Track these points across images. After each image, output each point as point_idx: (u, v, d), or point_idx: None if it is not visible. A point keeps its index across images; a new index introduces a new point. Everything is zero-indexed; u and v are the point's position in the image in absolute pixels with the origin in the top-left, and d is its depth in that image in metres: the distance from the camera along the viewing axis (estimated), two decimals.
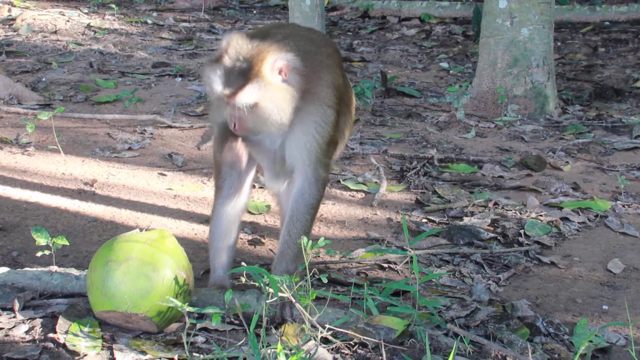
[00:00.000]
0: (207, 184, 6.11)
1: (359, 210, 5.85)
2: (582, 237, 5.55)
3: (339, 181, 6.32)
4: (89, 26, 12.08)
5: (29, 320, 3.91)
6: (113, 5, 13.48)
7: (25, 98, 8.08)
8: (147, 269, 3.76)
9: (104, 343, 3.75)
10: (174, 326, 3.95)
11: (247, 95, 3.84)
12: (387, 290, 4.21)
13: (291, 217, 4.17)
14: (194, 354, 3.66)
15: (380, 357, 3.67)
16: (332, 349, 3.76)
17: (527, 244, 5.32)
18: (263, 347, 3.54)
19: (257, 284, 3.65)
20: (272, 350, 3.49)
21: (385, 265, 4.94)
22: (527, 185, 6.41)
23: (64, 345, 3.69)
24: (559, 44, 12.07)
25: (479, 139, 7.76)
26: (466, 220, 5.65)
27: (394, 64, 11.10)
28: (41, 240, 4.21)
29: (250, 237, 5.28)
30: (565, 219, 5.74)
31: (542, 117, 8.44)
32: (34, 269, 4.24)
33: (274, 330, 3.87)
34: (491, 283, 4.77)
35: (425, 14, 13.79)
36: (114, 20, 12.75)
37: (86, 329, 3.80)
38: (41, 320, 3.92)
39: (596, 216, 5.83)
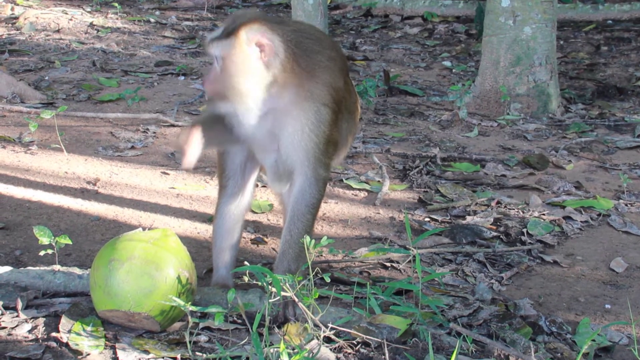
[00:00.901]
0: (210, 182, 6.11)
1: (361, 209, 5.85)
2: (585, 236, 5.54)
3: (341, 180, 6.32)
4: (91, 25, 12.09)
5: (32, 320, 3.91)
6: (116, 4, 13.49)
7: (28, 97, 8.09)
8: (150, 268, 3.76)
9: (107, 342, 3.75)
10: (176, 325, 3.95)
11: (217, 46, 3.98)
12: (390, 289, 4.21)
13: (292, 217, 4.17)
14: (197, 353, 3.67)
15: (383, 357, 3.67)
16: (335, 348, 3.76)
17: (530, 243, 5.32)
18: (266, 346, 3.54)
19: (259, 283, 3.65)
20: (275, 349, 3.49)
21: (388, 264, 4.94)
22: (530, 184, 6.41)
23: (66, 345, 3.69)
24: (561, 42, 12.07)
25: (481, 137, 7.76)
26: (469, 219, 5.65)
27: (396, 63, 11.10)
28: (44, 239, 4.21)
29: (253, 236, 5.29)
30: (567, 217, 5.74)
31: (544, 115, 8.43)
32: (37, 268, 4.25)
33: (276, 330, 3.87)
34: (494, 282, 4.77)
35: (428, 13, 13.78)
36: (117, 18, 12.76)
37: (89, 328, 3.80)
38: (44, 319, 3.92)
39: (599, 215, 5.83)
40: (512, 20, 8.40)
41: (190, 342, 3.60)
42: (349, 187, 6.22)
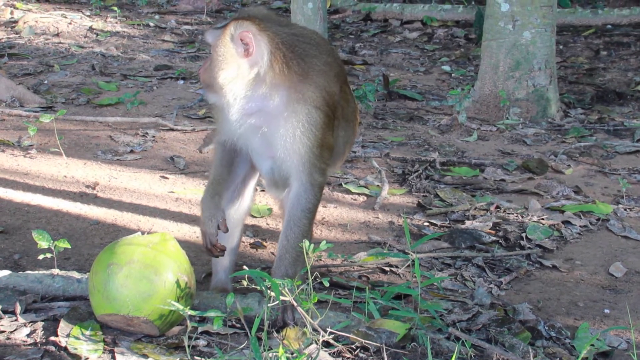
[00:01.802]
0: None
1: (360, 214, 5.85)
2: (584, 240, 5.54)
3: (340, 184, 6.32)
4: (91, 29, 12.09)
5: (31, 324, 3.91)
6: (115, 8, 13.50)
7: (27, 100, 8.09)
8: (149, 272, 3.76)
9: (106, 346, 3.75)
10: (175, 329, 3.95)
11: (210, 35, 4.13)
12: (389, 293, 4.21)
13: (288, 222, 4.16)
14: (196, 357, 3.66)
15: None
16: (334, 353, 3.76)
17: (529, 248, 5.32)
18: (265, 350, 3.53)
19: (258, 288, 3.65)
20: (274, 353, 3.49)
21: (387, 268, 4.94)
22: (529, 188, 6.41)
23: (65, 349, 3.69)
24: (561, 47, 12.08)
25: (480, 142, 7.76)
26: (468, 223, 5.65)
27: (396, 67, 11.11)
28: (43, 243, 4.21)
29: (252, 241, 5.29)
30: (567, 222, 5.74)
31: (544, 120, 8.44)
32: (36, 272, 4.25)
33: (275, 334, 3.87)
34: (493, 287, 4.76)
35: (428, 17, 13.80)
36: (116, 22, 12.77)
37: (88, 332, 3.80)
38: (43, 323, 3.92)
39: (598, 220, 5.83)
40: (512, 24, 8.41)
41: (189, 346, 3.60)
42: (348, 192, 6.22)
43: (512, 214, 5.86)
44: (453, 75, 10.65)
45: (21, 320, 3.92)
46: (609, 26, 13.29)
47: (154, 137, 7.24)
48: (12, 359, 3.58)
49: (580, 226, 5.71)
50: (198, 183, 6.23)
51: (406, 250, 4.94)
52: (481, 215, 5.80)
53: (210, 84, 4.09)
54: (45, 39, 11.32)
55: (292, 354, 3.56)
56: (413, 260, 4.08)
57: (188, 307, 3.69)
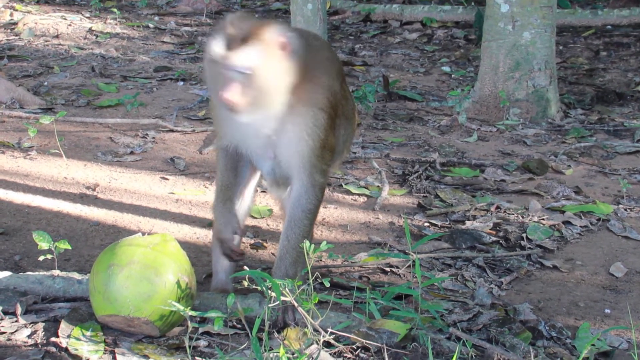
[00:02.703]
0: (209, 188, 6.11)
1: (361, 214, 5.85)
2: (585, 241, 5.54)
3: (341, 185, 6.32)
4: (90, 30, 12.09)
5: (31, 325, 3.91)
6: (115, 9, 13.49)
7: (27, 102, 8.09)
8: (150, 273, 3.76)
9: (106, 347, 3.75)
10: (176, 330, 3.95)
11: (246, 57, 3.75)
12: (390, 294, 4.21)
13: (289, 222, 4.15)
14: (197, 358, 3.66)
15: None
16: (335, 353, 3.76)
17: (529, 248, 5.32)
18: (265, 351, 3.54)
19: (259, 288, 3.65)
20: (275, 354, 3.49)
21: (388, 269, 4.94)
22: (529, 189, 6.41)
23: (66, 350, 3.69)
24: (560, 47, 12.08)
25: (481, 142, 7.76)
26: (468, 224, 5.65)
27: (395, 68, 11.10)
28: (43, 244, 4.21)
29: (252, 241, 5.29)
30: (567, 222, 5.74)
31: (544, 120, 8.44)
32: (36, 273, 4.25)
33: (276, 334, 3.88)
34: (493, 287, 4.76)
35: (427, 18, 13.79)
36: (116, 24, 12.76)
37: (88, 333, 3.80)
38: (43, 324, 3.92)
39: (598, 220, 5.82)
40: (512, 25, 8.41)
41: (189, 346, 3.60)
42: (349, 192, 6.22)
43: (513, 214, 5.85)
44: (453, 76, 10.64)
45: (22, 321, 3.92)
46: (609, 27, 13.29)
47: (154, 138, 7.24)
48: (13, 359, 3.59)
49: (580, 226, 5.71)
50: (198, 184, 6.23)
51: (407, 251, 4.93)
52: (481, 216, 5.80)
53: (254, 104, 3.83)
54: (45, 41, 11.31)
55: (293, 354, 3.57)
56: (413, 261, 4.08)
57: (189, 308, 3.70)
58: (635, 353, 3.83)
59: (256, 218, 5.66)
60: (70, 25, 12.20)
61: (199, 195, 5.99)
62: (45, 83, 9.02)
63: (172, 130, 7.47)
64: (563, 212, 5.92)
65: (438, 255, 5.15)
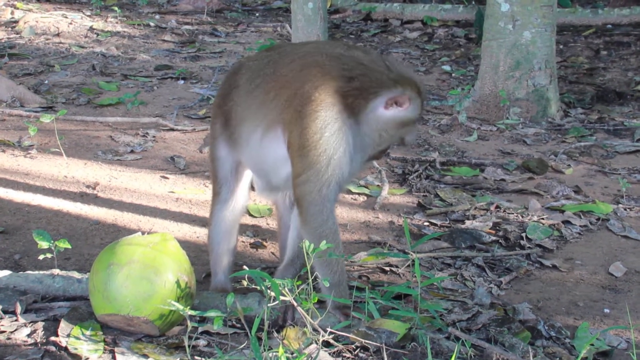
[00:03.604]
0: (209, 187, 6.10)
1: (360, 214, 5.85)
2: (584, 240, 5.55)
3: None
4: (91, 29, 12.09)
5: (31, 324, 3.92)
6: (116, 8, 13.49)
7: (27, 101, 8.09)
8: (149, 272, 3.77)
9: (106, 346, 3.76)
10: (175, 329, 3.95)
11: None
12: (389, 293, 4.21)
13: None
14: (196, 357, 3.67)
15: None
16: (334, 353, 3.76)
17: (529, 247, 5.32)
18: (265, 350, 3.54)
19: (258, 288, 3.65)
20: (274, 353, 3.50)
21: (387, 268, 4.94)
22: (529, 188, 6.41)
23: (65, 349, 3.69)
24: (561, 47, 12.07)
25: (481, 142, 7.76)
26: (468, 223, 5.65)
27: None
28: (43, 243, 4.22)
29: (252, 240, 5.29)
30: (567, 222, 5.74)
31: (544, 120, 8.44)
32: (36, 272, 4.25)
33: (275, 334, 3.88)
34: (493, 286, 4.77)
35: (428, 17, 13.79)
36: (117, 22, 12.77)
37: (88, 332, 3.81)
38: (43, 323, 3.92)
39: (598, 219, 5.83)
40: (512, 24, 8.41)
41: (189, 346, 3.60)
42: (348, 191, 6.22)
43: (512, 213, 5.86)
44: (453, 75, 10.64)
45: (21, 320, 3.93)
46: (609, 26, 13.28)
47: (154, 137, 7.25)
48: (13, 359, 3.59)
49: (580, 226, 5.71)
50: (198, 183, 6.24)
51: (406, 250, 4.94)
52: (481, 215, 5.81)
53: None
54: (45, 39, 11.32)
55: (292, 353, 3.57)
56: (413, 260, 4.08)
57: (188, 307, 3.70)
58: (634, 353, 3.83)
59: (256, 217, 5.67)
60: (71, 23, 12.20)
61: (199, 194, 5.99)
62: (46, 81, 9.02)
63: (172, 129, 7.47)
64: (563, 211, 5.92)
65: (437, 254, 5.15)
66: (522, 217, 5.80)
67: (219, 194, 4.44)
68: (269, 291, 3.60)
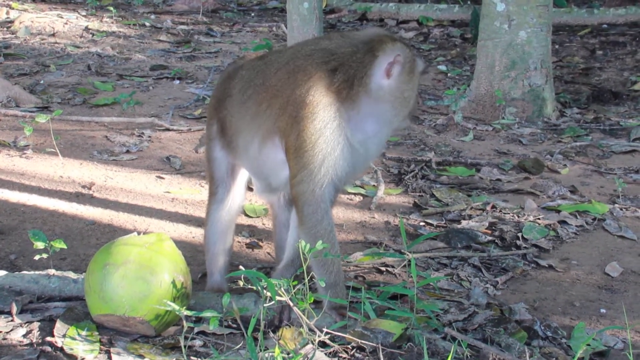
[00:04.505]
0: (205, 187, 6.11)
1: (356, 214, 5.85)
2: (580, 240, 5.55)
3: None
4: (87, 29, 12.08)
5: (27, 324, 3.91)
6: (111, 8, 13.48)
7: (23, 101, 8.08)
8: (145, 272, 3.76)
9: (102, 347, 3.75)
10: (171, 330, 3.95)
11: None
12: (385, 293, 4.21)
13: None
14: (192, 357, 3.66)
15: None
16: (330, 353, 3.76)
17: (525, 247, 5.32)
18: (261, 350, 3.54)
19: (254, 288, 3.65)
20: (270, 353, 3.49)
21: (383, 268, 4.94)
22: (525, 188, 6.41)
23: (61, 349, 3.69)
24: (556, 46, 12.08)
25: (476, 142, 7.76)
26: (464, 223, 5.65)
27: None
28: (39, 243, 4.21)
29: (248, 240, 5.29)
30: (563, 222, 5.74)
31: (540, 120, 8.44)
32: (32, 272, 4.24)
33: (271, 334, 3.87)
34: (489, 286, 4.77)
35: (423, 17, 13.79)
36: (112, 22, 12.76)
37: (84, 333, 3.80)
38: (39, 323, 3.91)
39: (594, 219, 5.83)
40: (508, 24, 8.41)
41: (185, 346, 3.60)
42: (344, 191, 6.21)
43: (508, 213, 5.86)
44: (449, 74, 10.65)
45: (17, 320, 3.92)
46: (605, 26, 13.29)
47: (149, 137, 7.24)
48: (8, 359, 3.58)
49: (576, 226, 5.71)
50: (194, 183, 6.23)
51: (402, 250, 4.93)
52: (477, 215, 5.81)
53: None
54: (41, 39, 11.31)
55: (288, 354, 3.57)
56: (409, 260, 4.08)
57: (184, 308, 3.69)
58: (630, 353, 3.83)
59: (252, 217, 5.67)
60: (66, 23, 12.20)
61: (194, 194, 5.99)
62: (42, 81, 9.01)
63: (168, 129, 7.47)
64: (559, 211, 5.92)
65: (433, 254, 5.15)
66: (518, 217, 5.80)
67: (215, 194, 4.45)
68: (265, 291, 3.60)
